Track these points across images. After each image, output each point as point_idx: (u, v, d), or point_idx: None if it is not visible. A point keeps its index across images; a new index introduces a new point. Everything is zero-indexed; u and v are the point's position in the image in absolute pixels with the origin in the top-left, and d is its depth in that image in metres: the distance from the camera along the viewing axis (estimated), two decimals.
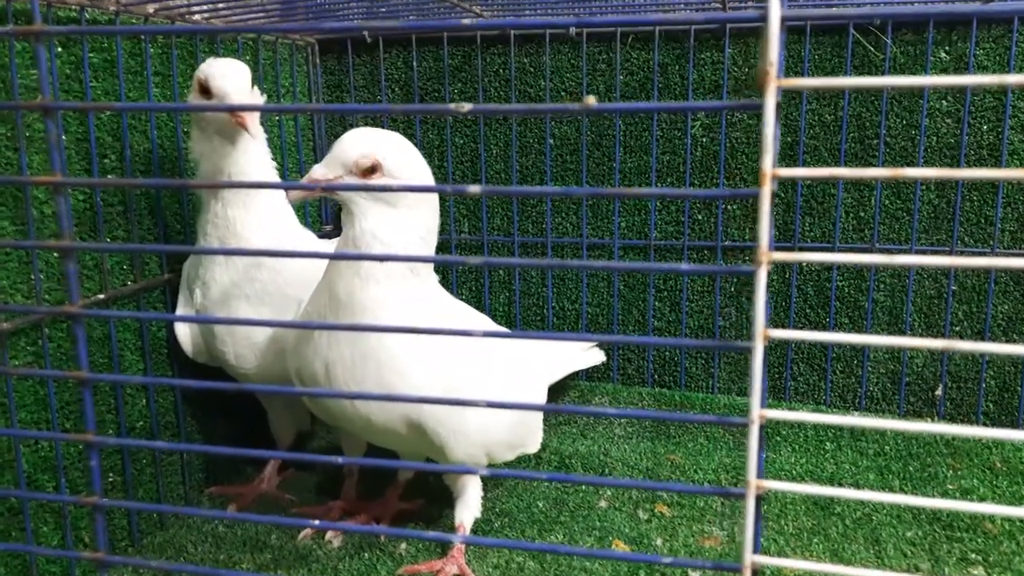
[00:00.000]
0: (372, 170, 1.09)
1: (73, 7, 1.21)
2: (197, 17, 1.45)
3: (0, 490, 1.09)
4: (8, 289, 1.12)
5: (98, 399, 1.26)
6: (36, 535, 1.15)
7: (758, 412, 0.68)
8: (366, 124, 1.83)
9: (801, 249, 1.65)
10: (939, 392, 1.71)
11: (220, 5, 1.44)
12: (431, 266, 1.19)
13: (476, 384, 1.17)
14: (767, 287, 0.58)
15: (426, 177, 1.16)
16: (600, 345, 1.77)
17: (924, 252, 1.65)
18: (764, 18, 0.59)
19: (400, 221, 1.11)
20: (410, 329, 0.78)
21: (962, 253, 1.64)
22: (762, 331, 0.67)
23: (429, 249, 1.16)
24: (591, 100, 0.66)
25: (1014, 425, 1.66)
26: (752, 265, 0.67)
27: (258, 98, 1.30)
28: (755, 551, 0.72)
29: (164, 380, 1.05)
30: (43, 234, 1.15)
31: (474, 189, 0.72)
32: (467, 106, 0.68)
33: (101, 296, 1.26)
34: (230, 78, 1.22)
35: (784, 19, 0.59)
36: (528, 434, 1.32)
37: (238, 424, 1.55)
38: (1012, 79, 0.53)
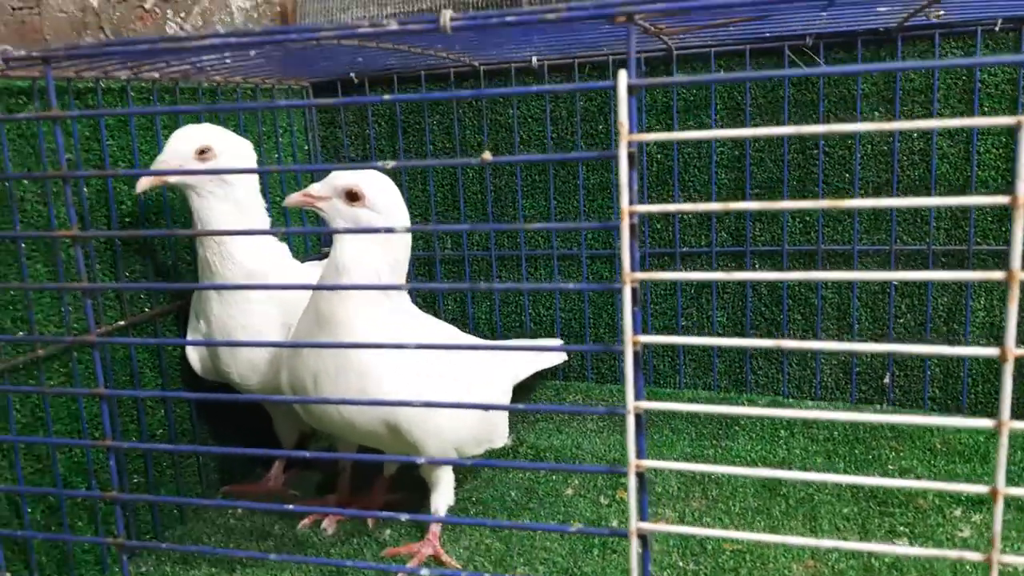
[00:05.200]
0: (355, 197, 1.29)
1: (89, 80, 1.42)
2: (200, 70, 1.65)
3: (40, 489, 1.30)
4: (42, 321, 1.33)
5: (122, 412, 1.46)
6: (72, 529, 1.35)
7: (633, 404, 0.86)
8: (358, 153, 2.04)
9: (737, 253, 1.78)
10: (887, 380, 1.85)
11: (227, 60, 1.55)
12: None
13: (443, 387, 1.34)
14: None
15: (403, 209, 1.35)
16: None
17: (866, 252, 1.80)
18: (613, 86, 0.77)
19: (377, 249, 1.30)
20: (380, 345, 0.93)
21: (901, 252, 1.78)
22: (631, 338, 0.85)
23: (403, 271, 1.34)
24: (487, 155, 0.85)
25: (958, 409, 1.80)
26: (619, 283, 0.85)
27: (230, 156, 1.44)
28: (642, 519, 0.90)
29: (175, 393, 1.24)
30: (70, 274, 1.35)
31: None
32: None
33: (122, 323, 1.46)
34: (169, 145, 1.40)
35: (631, 86, 0.77)
36: (493, 430, 1.48)
37: (247, 429, 1.74)
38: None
